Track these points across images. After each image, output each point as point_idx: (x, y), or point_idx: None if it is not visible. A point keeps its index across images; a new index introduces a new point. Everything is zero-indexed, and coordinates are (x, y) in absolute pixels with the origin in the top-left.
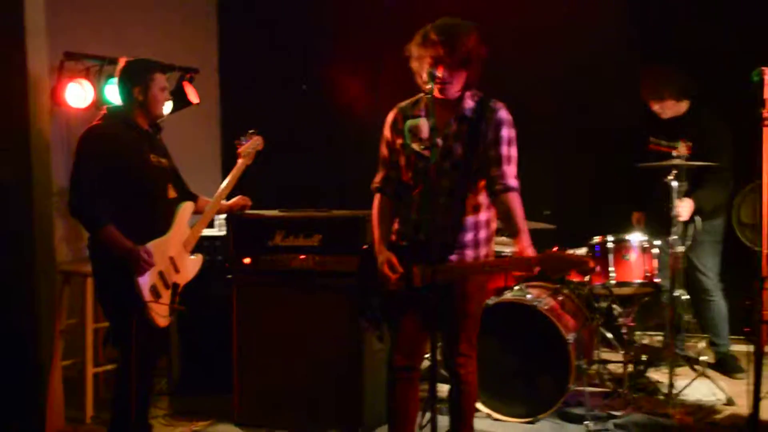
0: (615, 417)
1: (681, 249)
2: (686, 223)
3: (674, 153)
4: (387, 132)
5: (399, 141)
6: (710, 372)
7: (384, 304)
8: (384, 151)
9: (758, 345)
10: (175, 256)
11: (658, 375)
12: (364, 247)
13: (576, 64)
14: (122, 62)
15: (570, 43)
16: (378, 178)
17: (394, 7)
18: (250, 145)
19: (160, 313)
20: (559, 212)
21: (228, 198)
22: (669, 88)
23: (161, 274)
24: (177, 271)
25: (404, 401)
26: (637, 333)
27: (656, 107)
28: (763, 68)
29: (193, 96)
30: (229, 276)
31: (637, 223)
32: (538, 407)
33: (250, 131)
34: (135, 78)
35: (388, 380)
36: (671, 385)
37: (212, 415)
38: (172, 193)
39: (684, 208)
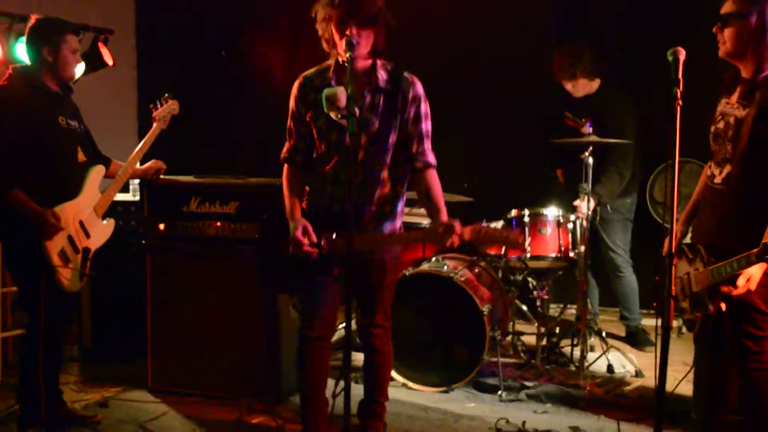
0: (527, 387)
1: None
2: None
3: (582, 131)
4: (293, 104)
5: (309, 114)
6: (620, 345)
7: (290, 273)
8: (291, 123)
9: (665, 319)
10: (85, 220)
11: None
12: (264, 217)
13: (493, 41)
14: (33, 20)
15: (488, 21)
16: (286, 148)
17: None
18: (165, 109)
19: (69, 278)
20: (477, 186)
21: (142, 162)
22: (581, 67)
23: (70, 239)
24: (88, 236)
25: (319, 370)
26: (552, 306)
27: (569, 86)
28: (678, 48)
29: (108, 58)
30: (143, 241)
31: (562, 178)
32: (453, 377)
33: (166, 95)
34: (45, 38)
35: (302, 349)
36: (582, 357)
37: (124, 382)
38: (81, 157)
39: (583, 206)
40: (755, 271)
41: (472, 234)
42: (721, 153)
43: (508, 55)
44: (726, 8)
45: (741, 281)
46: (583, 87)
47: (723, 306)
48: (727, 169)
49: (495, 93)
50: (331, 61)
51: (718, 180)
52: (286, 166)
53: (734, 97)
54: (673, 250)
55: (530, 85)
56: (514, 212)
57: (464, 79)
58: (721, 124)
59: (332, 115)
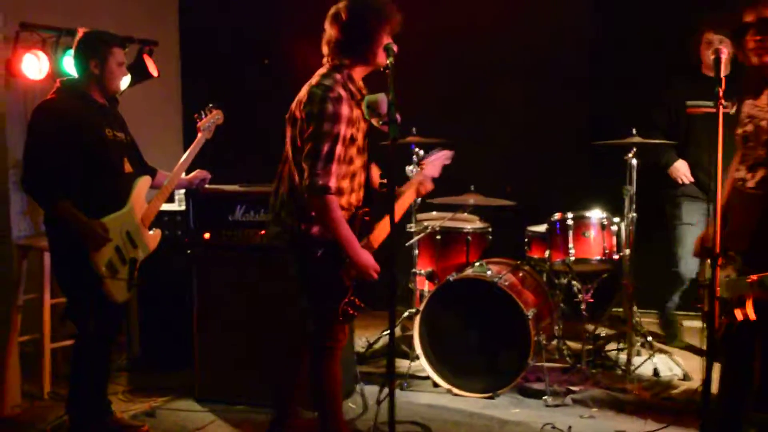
0: (573, 392)
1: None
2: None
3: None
4: (346, 127)
5: (355, 129)
6: (668, 348)
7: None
8: (340, 147)
9: (712, 322)
10: (132, 231)
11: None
12: (319, 254)
13: (532, 48)
14: (80, 33)
15: (526, 27)
16: (331, 179)
17: None
18: (210, 119)
19: (117, 289)
20: (520, 189)
21: (187, 172)
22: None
23: (118, 249)
24: (135, 246)
25: (338, 376)
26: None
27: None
28: (720, 47)
29: (153, 69)
30: (189, 251)
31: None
32: (498, 382)
33: (210, 105)
34: (92, 51)
35: (327, 358)
36: (629, 361)
37: (172, 391)
38: (128, 168)
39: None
40: None
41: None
42: (753, 156)
43: (549, 56)
44: (764, 14)
45: None
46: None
47: (751, 315)
48: (761, 172)
49: (537, 95)
50: (337, 74)
51: (751, 184)
52: (331, 197)
53: (764, 100)
54: (718, 251)
55: (574, 86)
56: (557, 215)
57: (506, 80)
58: (750, 127)
59: (374, 122)
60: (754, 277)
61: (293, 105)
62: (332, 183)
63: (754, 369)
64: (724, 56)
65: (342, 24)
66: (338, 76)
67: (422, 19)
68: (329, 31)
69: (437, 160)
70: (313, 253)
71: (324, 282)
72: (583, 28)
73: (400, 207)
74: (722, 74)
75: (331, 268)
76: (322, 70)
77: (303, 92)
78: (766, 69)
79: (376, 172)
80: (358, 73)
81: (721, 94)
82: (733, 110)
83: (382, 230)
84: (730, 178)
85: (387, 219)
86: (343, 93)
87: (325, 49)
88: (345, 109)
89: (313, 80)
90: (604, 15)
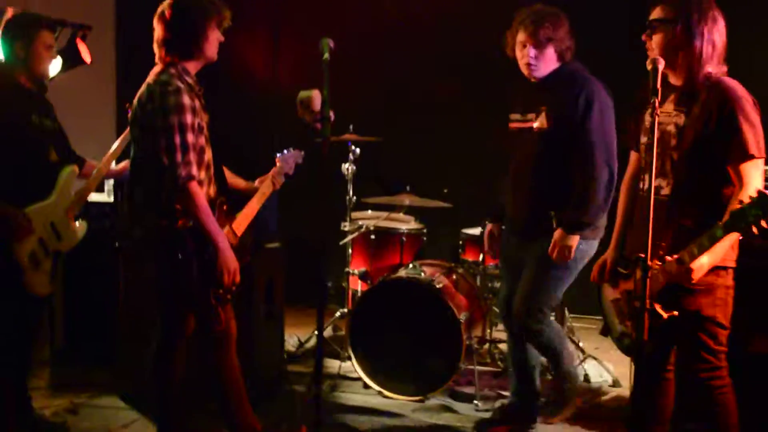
0: (504, 397)
1: None
2: None
3: None
4: (191, 103)
5: None
6: (597, 353)
7: None
8: (190, 132)
9: (640, 332)
10: (57, 222)
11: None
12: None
13: (472, 46)
14: (8, 14)
15: (466, 24)
16: (194, 168)
17: None
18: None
19: (40, 281)
20: (458, 190)
21: (118, 162)
22: None
23: (41, 241)
24: (59, 238)
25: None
26: None
27: None
28: (657, 57)
29: (86, 55)
30: (117, 243)
31: None
32: (429, 385)
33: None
34: (18, 32)
35: (217, 348)
36: None
37: (95, 387)
38: (54, 156)
39: None
40: (705, 260)
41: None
42: (662, 164)
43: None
44: (655, 14)
45: (696, 265)
46: None
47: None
48: (674, 178)
49: (477, 94)
50: (171, 69)
51: (666, 191)
52: (195, 186)
53: (668, 106)
54: (649, 261)
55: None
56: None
57: (445, 79)
58: (657, 134)
59: (306, 119)
60: (671, 258)
61: (134, 105)
62: (194, 172)
63: (671, 379)
64: (661, 66)
65: (166, 22)
66: (173, 71)
67: (360, 15)
68: (157, 30)
69: (291, 158)
70: (180, 247)
71: (194, 273)
72: None
73: (260, 198)
74: (659, 84)
75: (199, 259)
76: (156, 69)
77: (142, 91)
78: (669, 73)
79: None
80: (192, 67)
81: (657, 104)
82: (537, 123)
83: (244, 219)
84: (628, 190)
85: (249, 208)
86: (180, 84)
87: (155, 49)
88: (186, 99)
89: (150, 79)
90: None
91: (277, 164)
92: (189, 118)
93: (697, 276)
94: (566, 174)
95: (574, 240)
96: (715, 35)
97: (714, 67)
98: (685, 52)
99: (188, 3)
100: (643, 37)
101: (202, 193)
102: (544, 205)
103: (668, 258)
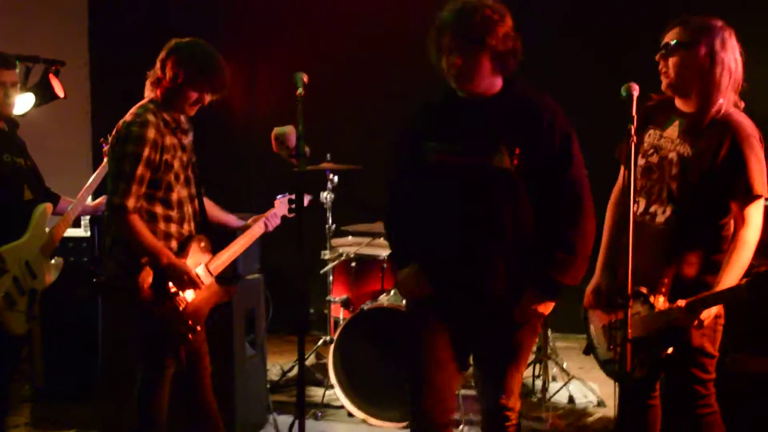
0: None
1: None
2: None
3: None
4: (158, 137)
5: None
6: (582, 374)
7: None
8: (142, 165)
9: (623, 362)
10: (32, 260)
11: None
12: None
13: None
14: None
15: None
16: (131, 200)
17: (270, 7)
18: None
19: (15, 321)
20: None
21: (94, 197)
22: None
23: (16, 280)
24: (34, 276)
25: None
26: None
27: None
28: (631, 83)
29: (59, 90)
30: (95, 279)
31: None
32: None
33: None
34: None
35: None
36: (544, 388)
37: (76, 424)
38: (28, 195)
39: None
40: (714, 310)
41: None
42: (659, 190)
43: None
44: (672, 36)
45: (705, 315)
46: None
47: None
48: (671, 208)
49: None
50: (150, 104)
51: (660, 219)
52: (130, 217)
53: (672, 131)
54: (630, 292)
55: None
56: None
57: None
58: (654, 158)
59: (282, 155)
60: (682, 303)
61: (111, 139)
62: (131, 203)
63: (657, 405)
64: (636, 92)
65: (162, 62)
66: (151, 106)
67: (338, 43)
68: (157, 64)
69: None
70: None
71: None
72: None
73: (248, 239)
74: (634, 111)
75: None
76: (140, 102)
77: (118, 124)
78: (677, 98)
79: (213, 205)
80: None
81: (633, 131)
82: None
83: (225, 259)
84: (613, 212)
85: (233, 247)
86: (151, 118)
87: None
88: (151, 133)
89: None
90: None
91: (276, 206)
92: (146, 151)
93: (704, 325)
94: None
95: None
96: (733, 64)
97: (729, 97)
98: (704, 79)
99: (186, 57)
100: (657, 58)
101: (138, 223)
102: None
103: (679, 303)
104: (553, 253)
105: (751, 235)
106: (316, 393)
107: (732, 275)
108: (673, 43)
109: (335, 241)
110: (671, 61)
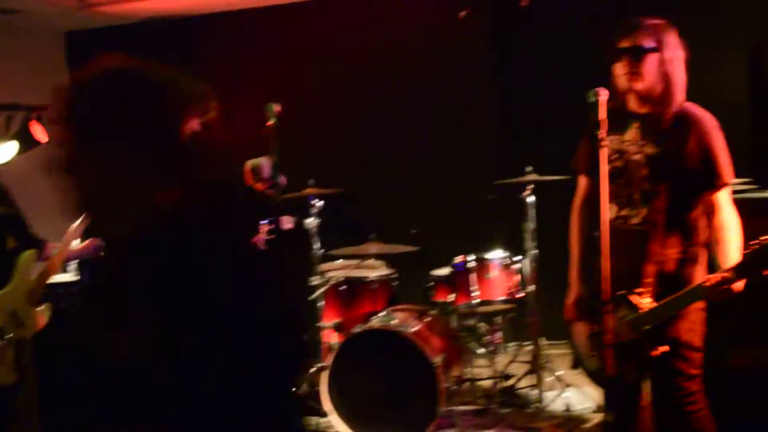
0: None
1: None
2: None
3: None
4: None
5: None
6: (578, 380)
7: None
8: None
9: (605, 364)
10: (18, 309)
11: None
12: None
13: (433, 90)
14: None
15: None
16: None
17: (249, 42)
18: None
19: (3, 371)
20: (426, 232)
21: (82, 240)
22: None
23: (1, 331)
24: (21, 325)
25: None
26: (510, 345)
27: None
28: (598, 89)
29: (41, 135)
30: None
31: None
32: None
33: None
34: None
35: None
36: (540, 398)
37: None
38: (11, 243)
39: None
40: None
41: None
42: (626, 193)
43: (450, 98)
44: (635, 40)
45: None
46: None
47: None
48: (645, 209)
49: (438, 137)
50: None
51: (636, 220)
52: None
53: (632, 134)
54: (608, 297)
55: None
56: (459, 258)
57: (406, 123)
58: (619, 163)
59: (258, 186)
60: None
61: None
62: None
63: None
64: (604, 97)
65: None
66: None
67: (320, 65)
68: None
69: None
70: None
71: None
72: (485, 70)
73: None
74: (603, 116)
75: None
76: None
77: None
78: (631, 100)
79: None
80: None
81: (604, 135)
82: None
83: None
84: (581, 221)
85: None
86: None
87: None
88: None
89: None
90: (502, 51)
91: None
92: None
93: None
94: None
95: None
96: (682, 61)
97: (683, 92)
98: (669, 78)
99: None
100: (624, 62)
101: None
102: None
103: (722, 274)
104: None
105: (730, 216)
106: (310, 421)
107: (733, 254)
108: (648, 46)
109: (325, 265)
110: (645, 63)
